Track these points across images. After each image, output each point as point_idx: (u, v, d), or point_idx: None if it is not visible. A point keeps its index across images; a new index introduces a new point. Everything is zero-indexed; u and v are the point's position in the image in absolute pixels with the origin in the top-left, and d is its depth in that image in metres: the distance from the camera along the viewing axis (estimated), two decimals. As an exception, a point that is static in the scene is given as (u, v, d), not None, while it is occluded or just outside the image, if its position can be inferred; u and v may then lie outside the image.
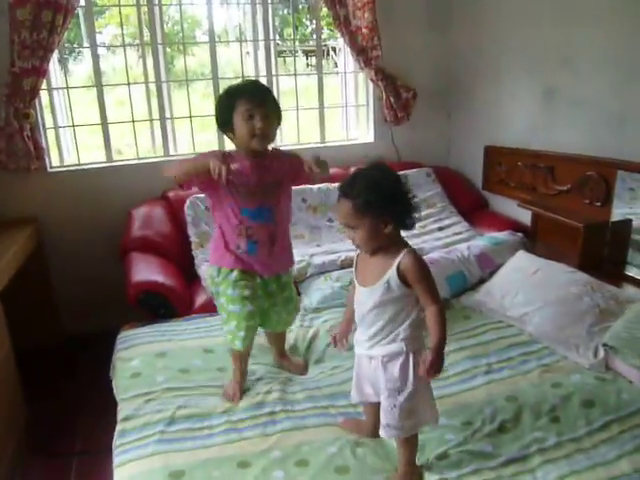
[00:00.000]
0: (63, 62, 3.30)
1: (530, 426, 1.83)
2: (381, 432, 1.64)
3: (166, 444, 1.78)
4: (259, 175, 1.97)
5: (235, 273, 2.03)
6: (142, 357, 2.25)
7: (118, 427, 1.91)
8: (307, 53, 7.85)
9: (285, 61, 5.65)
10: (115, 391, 2.14)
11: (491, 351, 2.26)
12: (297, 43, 4.06)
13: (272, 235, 2.03)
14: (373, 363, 1.65)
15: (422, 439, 1.72)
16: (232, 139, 2.00)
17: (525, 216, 3.15)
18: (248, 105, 1.88)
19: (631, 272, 2.65)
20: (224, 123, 1.96)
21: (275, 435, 1.82)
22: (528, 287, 2.53)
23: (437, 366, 1.52)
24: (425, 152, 3.71)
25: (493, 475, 1.64)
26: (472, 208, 3.52)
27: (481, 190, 3.60)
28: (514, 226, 3.17)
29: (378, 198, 1.50)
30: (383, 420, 1.62)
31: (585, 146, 2.80)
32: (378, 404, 1.69)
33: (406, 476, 1.63)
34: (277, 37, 3.54)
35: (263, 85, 2.06)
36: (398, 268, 1.54)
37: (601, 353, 2.14)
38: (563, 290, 2.43)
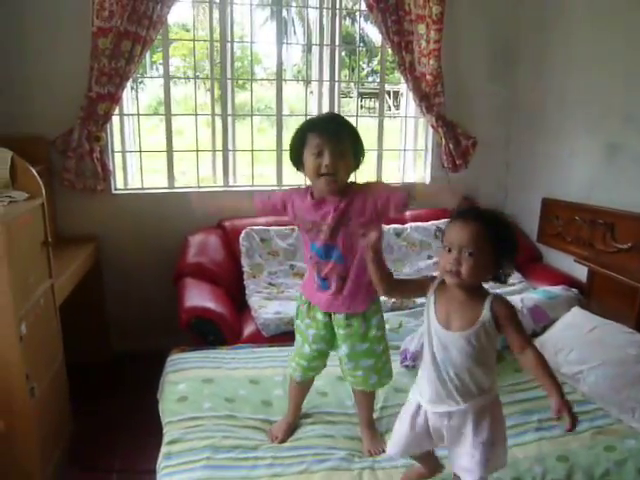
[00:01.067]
0: (135, 90, 3.43)
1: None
2: (464, 476, 1.58)
3: (211, 470, 1.80)
4: (322, 216, 1.81)
5: (305, 305, 1.97)
6: (190, 382, 2.27)
7: (163, 449, 1.92)
8: (362, 95, 7.97)
9: (340, 102, 5.79)
10: (161, 414, 2.16)
11: (542, 408, 2.20)
12: (355, 85, 4.08)
13: (341, 274, 1.86)
14: (457, 420, 1.53)
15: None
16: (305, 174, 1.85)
17: (580, 272, 3.09)
18: (318, 140, 1.72)
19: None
20: (296, 159, 1.83)
21: (319, 473, 1.81)
22: (583, 345, 2.46)
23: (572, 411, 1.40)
24: (481, 201, 3.69)
25: None
26: (526, 260, 3.46)
27: (536, 242, 3.55)
28: (569, 281, 3.11)
29: (508, 235, 1.47)
30: (466, 464, 1.54)
31: (648, 205, 2.76)
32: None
33: None
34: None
35: (341, 119, 1.86)
36: (491, 309, 1.46)
37: (658, 419, 2.06)
38: (621, 351, 2.36)
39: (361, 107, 7.31)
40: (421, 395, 1.58)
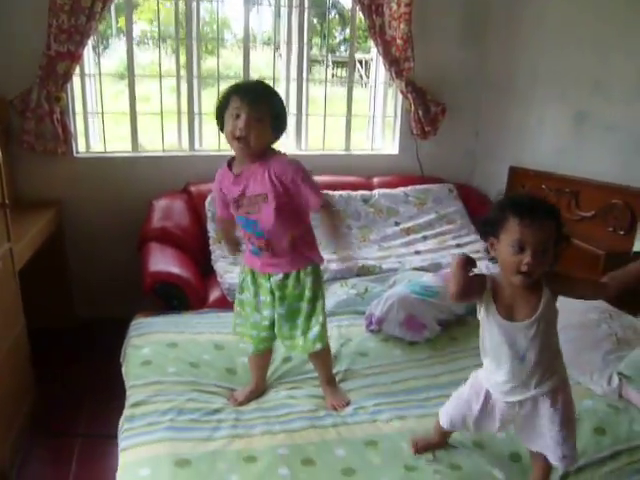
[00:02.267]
0: (97, 50, 3.32)
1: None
2: (559, 464, 1.58)
3: (174, 432, 1.78)
4: (243, 186, 1.84)
5: (250, 275, 1.99)
6: (154, 346, 2.25)
7: (126, 412, 1.91)
8: (335, 64, 7.88)
9: (311, 70, 5.71)
10: (125, 377, 2.14)
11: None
12: (326, 52, 4.01)
13: (266, 243, 1.89)
14: (528, 406, 1.54)
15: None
16: None
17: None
18: (238, 103, 1.73)
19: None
20: (220, 121, 1.82)
21: (283, 433, 1.81)
22: (545, 309, 2.50)
23: None
24: (449, 168, 3.70)
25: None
26: (492, 229, 3.50)
27: (502, 211, 3.58)
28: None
29: (562, 226, 1.46)
30: (559, 452, 1.54)
31: (613, 173, 2.78)
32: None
33: None
34: (309, 43, 3.54)
35: (266, 86, 1.87)
36: (549, 286, 1.48)
37: (615, 381, 2.10)
38: (582, 316, 2.40)
39: (332, 76, 7.22)
40: (492, 387, 1.58)
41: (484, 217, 1.54)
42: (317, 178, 3.31)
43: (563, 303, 2.48)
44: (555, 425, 1.53)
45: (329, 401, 1.99)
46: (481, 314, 1.54)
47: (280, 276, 1.92)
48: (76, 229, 3.24)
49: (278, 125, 1.82)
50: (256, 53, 5.70)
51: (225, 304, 2.70)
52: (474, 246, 3.24)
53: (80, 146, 3.30)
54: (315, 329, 1.97)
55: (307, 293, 1.93)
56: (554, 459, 1.57)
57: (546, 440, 1.56)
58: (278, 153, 1.85)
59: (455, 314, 2.53)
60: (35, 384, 2.60)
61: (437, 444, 1.77)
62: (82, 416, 2.57)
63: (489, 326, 1.52)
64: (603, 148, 2.87)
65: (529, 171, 3.30)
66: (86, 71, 3.25)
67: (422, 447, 1.75)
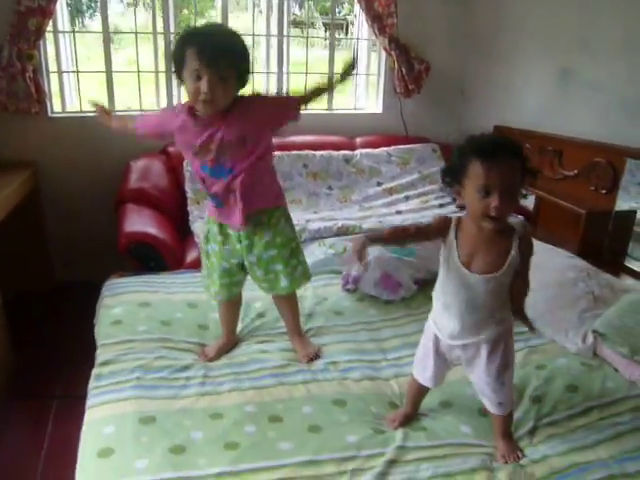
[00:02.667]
0: (70, 6, 3.23)
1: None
2: (496, 411, 1.59)
3: (140, 390, 1.77)
4: (208, 137, 1.73)
5: (216, 225, 1.93)
6: (125, 305, 2.23)
7: (95, 371, 1.89)
8: (327, 26, 7.72)
9: (303, 31, 5.57)
10: (96, 337, 2.12)
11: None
12: (306, 12, 3.89)
13: (230, 188, 1.80)
14: (471, 350, 1.55)
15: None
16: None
17: (529, 200, 3.08)
18: (196, 63, 1.59)
19: (631, 264, 2.61)
20: (178, 74, 1.71)
21: (251, 390, 1.80)
22: (524, 268, 2.48)
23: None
24: (434, 128, 3.64)
25: (468, 452, 1.60)
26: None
27: (486, 171, 3.53)
28: (516, 209, 3.11)
29: (528, 162, 1.40)
30: (494, 400, 1.57)
31: (596, 131, 2.73)
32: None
33: (513, 445, 1.62)
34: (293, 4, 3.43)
35: (224, 35, 1.71)
36: (519, 249, 1.43)
37: (590, 339, 2.09)
38: (559, 274, 2.38)
39: (325, 39, 7.08)
40: (439, 330, 1.57)
41: (446, 165, 1.50)
42: (299, 138, 3.33)
43: (541, 262, 2.49)
44: (491, 373, 1.54)
45: (300, 354, 1.98)
46: (442, 256, 1.51)
47: (249, 226, 1.86)
48: (53, 191, 3.19)
49: (244, 76, 1.74)
50: (237, 19, 5.54)
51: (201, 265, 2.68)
52: (454, 207, 3.21)
53: (56, 106, 3.22)
54: (299, 269, 1.98)
55: (278, 239, 1.90)
56: (490, 405, 1.59)
57: (482, 386, 1.58)
58: (243, 97, 1.76)
59: (432, 273, 2.46)
60: (12, 350, 2.59)
61: (410, 414, 1.73)
62: (59, 378, 2.57)
63: (447, 270, 1.50)
64: (587, 106, 2.82)
65: (514, 130, 3.24)
66: (60, 28, 3.15)
67: (399, 421, 1.70)
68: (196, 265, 2.66)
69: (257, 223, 1.87)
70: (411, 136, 3.57)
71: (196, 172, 1.87)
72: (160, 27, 3.26)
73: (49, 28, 3.00)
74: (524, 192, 1.44)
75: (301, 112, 1.85)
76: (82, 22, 3.34)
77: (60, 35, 3.18)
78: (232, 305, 2.07)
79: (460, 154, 1.41)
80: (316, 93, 1.89)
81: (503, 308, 1.53)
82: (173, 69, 1.74)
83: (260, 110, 1.76)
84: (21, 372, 2.58)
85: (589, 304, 2.22)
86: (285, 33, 3.43)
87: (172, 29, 3.28)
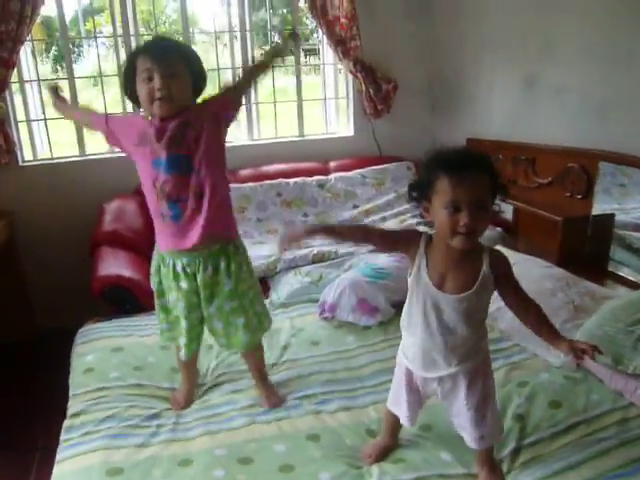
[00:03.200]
0: (33, 55, 3.24)
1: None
2: (477, 445, 1.51)
3: (109, 439, 1.73)
4: (168, 142, 1.65)
5: (168, 267, 1.80)
6: (98, 352, 2.19)
7: (66, 423, 1.86)
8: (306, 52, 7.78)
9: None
10: (70, 387, 2.08)
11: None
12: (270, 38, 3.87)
13: (196, 190, 1.68)
14: (448, 383, 1.47)
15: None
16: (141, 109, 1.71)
17: (508, 210, 3.05)
18: (147, 64, 1.59)
19: (614, 269, 2.56)
20: (127, 89, 1.68)
21: (223, 433, 1.76)
22: (502, 282, 2.43)
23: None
24: (408, 146, 3.60)
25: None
26: (454, 203, 3.42)
27: (463, 185, 3.50)
28: (495, 221, 3.07)
29: (498, 175, 1.34)
30: (475, 434, 1.49)
31: (567, 137, 2.71)
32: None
33: (497, 474, 1.54)
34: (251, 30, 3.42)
35: (171, 39, 1.73)
36: (491, 266, 1.37)
37: (572, 351, 2.04)
38: (537, 285, 2.31)
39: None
40: (410, 361, 1.49)
41: (412, 181, 1.43)
42: (271, 167, 3.32)
43: (518, 273, 2.43)
44: (471, 407, 1.46)
45: (264, 402, 1.89)
46: (411, 277, 1.43)
47: (209, 271, 1.76)
48: (30, 238, 3.18)
49: (199, 80, 1.71)
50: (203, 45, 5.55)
51: (179, 304, 2.64)
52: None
53: (27, 154, 3.22)
54: (258, 321, 1.89)
55: (240, 288, 1.80)
56: (470, 440, 1.51)
57: (461, 420, 1.50)
58: (197, 104, 1.73)
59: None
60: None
61: (389, 446, 1.66)
62: (40, 428, 2.51)
63: (417, 292, 1.42)
64: (554, 111, 2.80)
65: (485, 141, 3.22)
66: (25, 77, 3.16)
67: (376, 455, 1.63)
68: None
69: (211, 258, 1.76)
70: (385, 156, 3.55)
71: (149, 173, 1.72)
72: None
73: (14, 79, 3.00)
74: (497, 208, 1.39)
75: (241, 96, 1.78)
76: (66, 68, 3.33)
77: (27, 84, 3.18)
78: (195, 356, 1.98)
79: (427, 169, 1.35)
80: (254, 71, 1.80)
81: (479, 335, 1.46)
82: (124, 88, 1.71)
83: (211, 106, 1.72)
84: (2, 422, 2.54)
85: (570, 314, 2.17)
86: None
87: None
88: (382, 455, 1.63)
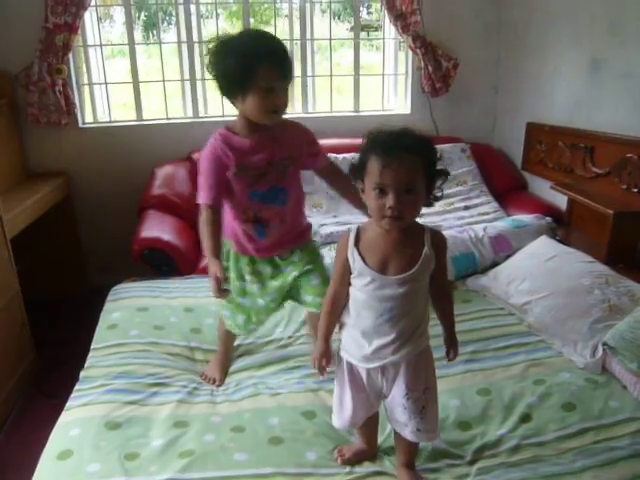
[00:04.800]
0: (98, 21, 3.34)
1: (497, 425, 1.67)
2: (412, 437, 1.44)
3: (115, 394, 1.79)
4: (270, 152, 1.68)
5: (244, 261, 1.84)
6: (124, 310, 2.28)
7: (81, 374, 1.94)
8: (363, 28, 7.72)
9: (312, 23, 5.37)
10: (93, 341, 2.17)
11: (480, 339, 2.10)
12: (330, 10, 3.74)
13: (282, 216, 1.77)
14: (391, 371, 1.40)
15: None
16: (236, 106, 1.65)
17: (563, 201, 2.89)
18: (270, 77, 1.53)
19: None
20: (236, 89, 1.58)
21: (225, 403, 1.79)
22: (538, 274, 2.31)
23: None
24: (467, 128, 3.48)
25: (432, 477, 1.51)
26: (509, 189, 3.28)
27: (521, 170, 3.34)
28: (548, 210, 2.92)
29: (435, 156, 1.29)
30: (412, 425, 1.42)
31: (629, 125, 2.51)
32: (375, 417, 1.55)
33: (416, 476, 1.49)
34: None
35: (283, 47, 1.62)
36: (432, 244, 1.32)
37: (599, 352, 1.91)
38: (574, 281, 2.20)
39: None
40: (353, 355, 1.42)
41: (353, 160, 1.36)
42: (323, 141, 3.27)
43: (556, 267, 2.32)
44: (411, 397, 1.40)
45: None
46: (353, 271, 1.36)
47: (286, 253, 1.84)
48: (85, 199, 3.32)
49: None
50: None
51: (215, 270, 2.69)
52: (484, 208, 3.07)
53: (87, 117, 3.35)
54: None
55: (314, 254, 1.88)
56: (406, 432, 1.44)
57: (399, 412, 1.43)
58: (285, 120, 1.74)
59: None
60: (33, 348, 2.70)
61: (365, 451, 1.58)
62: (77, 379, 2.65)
63: (358, 279, 1.35)
64: (619, 98, 2.59)
65: (545, 126, 3.05)
66: (90, 42, 3.28)
67: (348, 458, 1.56)
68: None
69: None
70: (442, 136, 3.42)
71: (243, 200, 1.72)
72: (184, 36, 3.32)
73: (79, 43, 3.13)
74: (440, 193, 1.33)
75: (327, 170, 1.90)
76: (158, 35, 3.44)
77: (92, 49, 3.30)
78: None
79: (363, 148, 1.30)
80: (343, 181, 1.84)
81: (422, 320, 1.40)
82: (227, 86, 1.62)
83: (304, 135, 1.77)
84: (43, 371, 2.69)
85: (603, 313, 2.04)
86: (308, 36, 3.40)
87: (196, 38, 3.33)
88: (357, 460, 1.56)
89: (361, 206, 1.57)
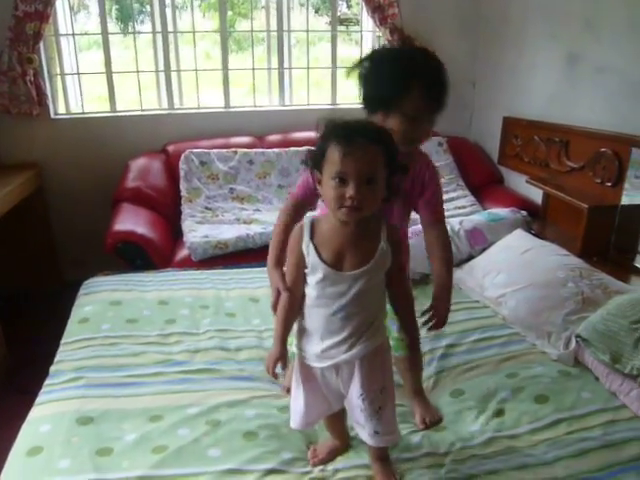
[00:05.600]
0: (71, 10, 3.28)
1: (470, 422, 1.67)
2: (371, 442, 1.40)
3: (87, 389, 1.75)
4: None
5: None
6: (96, 304, 2.24)
7: (51, 369, 1.90)
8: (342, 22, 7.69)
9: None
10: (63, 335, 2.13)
11: (455, 332, 2.10)
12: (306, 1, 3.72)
13: None
14: (346, 370, 1.35)
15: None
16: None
17: (538, 194, 2.91)
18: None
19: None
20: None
21: (200, 392, 1.75)
22: (512, 267, 2.32)
23: None
24: (444, 121, 3.42)
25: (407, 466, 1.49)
26: (485, 183, 3.29)
27: (497, 165, 3.36)
28: (524, 204, 2.94)
29: (394, 149, 1.24)
30: (369, 428, 1.38)
31: (603, 120, 2.55)
32: (339, 414, 1.49)
33: (390, 469, 1.45)
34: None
35: (443, 78, 1.57)
36: (388, 238, 1.28)
37: (572, 344, 1.93)
38: (549, 273, 2.22)
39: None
40: (304, 351, 1.37)
41: (309, 149, 1.31)
42: (299, 134, 3.26)
43: (532, 260, 2.34)
44: (366, 398, 1.35)
45: (419, 417, 1.70)
46: (307, 266, 1.31)
47: None
48: (57, 191, 3.26)
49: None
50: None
51: (190, 264, 2.68)
52: (460, 202, 3.08)
53: (60, 108, 3.29)
54: None
55: None
56: (364, 435, 1.41)
57: (356, 413, 1.39)
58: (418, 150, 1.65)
59: (418, 272, 2.39)
60: (4, 344, 2.65)
61: (338, 448, 1.54)
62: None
63: (311, 275, 1.30)
64: (594, 92, 2.63)
65: (521, 120, 3.07)
66: (62, 31, 3.21)
67: (322, 458, 1.52)
68: (184, 264, 2.67)
69: None
70: (418, 131, 3.42)
71: None
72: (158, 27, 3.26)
73: (50, 32, 3.06)
74: (397, 187, 1.29)
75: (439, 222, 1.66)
76: (133, 26, 3.38)
77: (63, 38, 3.24)
78: None
79: (321, 137, 1.25)
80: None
81: (377, 315, 1.35)
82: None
83: (432, 180, 1.63)
84: (13, 367, 2.64)
85: (576, 306, 2.06)
86: (285, 27, 3.37)
87: (170, 28, 3.28)
88: (331, 457, 1.53)
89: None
